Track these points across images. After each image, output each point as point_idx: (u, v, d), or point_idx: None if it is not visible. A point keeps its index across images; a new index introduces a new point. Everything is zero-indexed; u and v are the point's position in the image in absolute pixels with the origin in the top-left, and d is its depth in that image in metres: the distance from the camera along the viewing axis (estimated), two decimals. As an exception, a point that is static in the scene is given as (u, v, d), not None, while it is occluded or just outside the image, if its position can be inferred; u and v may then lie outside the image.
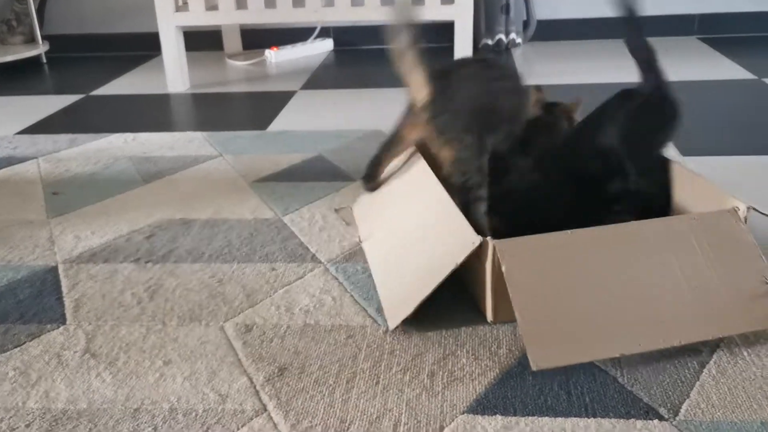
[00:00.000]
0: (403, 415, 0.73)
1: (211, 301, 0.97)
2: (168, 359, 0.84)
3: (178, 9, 2.03)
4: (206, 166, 1.47)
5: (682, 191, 1.05)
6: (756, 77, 1.98)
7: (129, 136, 1.68)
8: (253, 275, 1.03)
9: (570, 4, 2.56)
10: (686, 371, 0.78)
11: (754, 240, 0.87)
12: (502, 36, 2.51)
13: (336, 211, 1.22)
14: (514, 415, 0.73)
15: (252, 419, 0.74)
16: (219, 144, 1.60)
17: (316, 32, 2.60)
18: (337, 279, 1.01)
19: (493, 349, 0.84)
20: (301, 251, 1.09)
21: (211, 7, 2.06)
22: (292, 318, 0.92)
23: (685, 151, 1.41)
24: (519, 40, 2.55)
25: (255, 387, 0.79)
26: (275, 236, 1.15)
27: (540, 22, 2.56)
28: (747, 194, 0.97)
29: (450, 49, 2.06)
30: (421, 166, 1.08)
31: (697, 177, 1.01)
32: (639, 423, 0.71)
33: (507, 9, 2.48)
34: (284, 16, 2.02)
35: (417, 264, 0.93)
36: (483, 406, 0.74)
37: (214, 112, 1.91)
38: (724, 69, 2.10)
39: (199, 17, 2.03)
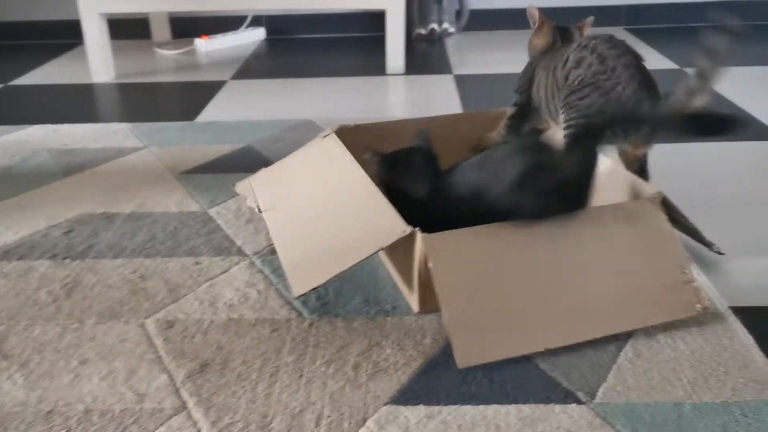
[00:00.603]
0: (326, 408, 0.73)
1: (132, 298, 0.94)
2: (84, 359, 0.82)
3: (101, -5, 1.97)
4: (131, 158, 1.43)
5: (603, 182, 1.07)
6: (678, 67, 2.04)
7: (50, 128, 1.62)
8: (177, 270, 1.00)
9: (502, -6, 2.59)
10: (604, 355, 0.80)
11: (672, 228, 0.90)
12: (434, 25, 2.52)
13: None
14: (437, 404, 0.73)
15: (171, 418, 0.72)
16: (145, 135, 1.56)
17: (248, 21, 2.55)
18: (262, 272, 0.99)
19: (417, 338, 0.84)
20: (227, 244, 1.07)
21: (137, -7, 2.00)
22: (216, 313, 0.90)
23: (610, 139, 1.44)
24: (452, 30, 2.56)
25: (175, 384, 0.77)
26: (200, 229, 1.12)
27: (473, 12, 2.57)
28: (667, 184, 0.99)
29: (382, 38, 2.05)
30: (337, 148, 1.07)
31: (617, 167, 1.03)
32: (558, 407, 0.72)
33: (440, -2, 2.48)
34: (214, 4, 1.97)
35: (334, 240, 0.92)
36: (406, 396, 0.74)
37: (141, 102, 1.86)
38: (649, 59, 2.15)
39: (123, 4, 1.97)
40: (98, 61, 2.02)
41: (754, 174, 1.30)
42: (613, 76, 1.04)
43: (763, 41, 2.35)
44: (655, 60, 2.14)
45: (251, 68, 2.19)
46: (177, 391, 0.76)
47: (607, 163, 1.05)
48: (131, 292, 0.95)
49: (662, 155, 1.37)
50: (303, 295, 0.86)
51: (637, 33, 2.50)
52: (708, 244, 0.98)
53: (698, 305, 0.85)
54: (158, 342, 0.84)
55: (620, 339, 0.82)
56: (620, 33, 2.52)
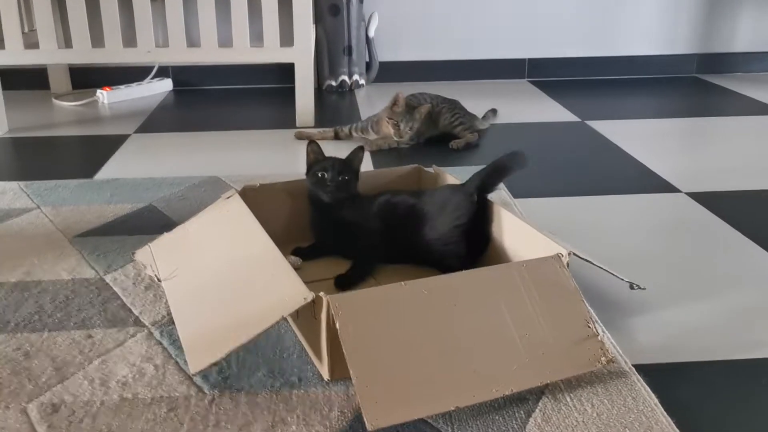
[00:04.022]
0: (225, 497, 0.68)
1: (14, 379, 0.86)
2: (-46, 454, 0.74)
3: (-8, 47, 1.88)
4: (20, 220, 1.34)
5: (510, 237, 1.08)
6: (580, 119, 2.12)
7: (-69, 188, 1.51)
8: (66, 345, 0.93)
9: (410, 47, 2.64)
10: (514, 422, 0.78)
11: (575, 284, 0.91)
12: (345, 77, 2.53)
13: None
14: (344, 485, 0.70)
15: None
16: (37, 195, 1.47)
17: (154, 72, 2.49)
18: (161, 344, 0.94)
19: (324, 412, 0.80)
20: (123, 314, 1.01)
21: (31, 45, 1.91)
22: (107, 392, 0.84)
23: (516, 193, 1.47)
24: (362, 82, 2.58)
25: (58, 479, 0.70)
26: (94, 298, 1.05)
27: (382, 64, 2.61)
28: (571, 235, 1.01)
29: (292, 89, 2.04)
30: (240, 211, 1.04)
31: (524, 223, 1.04)
32: (468, 483, 0.70)
33: (349, 51, 2.51)
34: (114, 56, 1.91)
35: (234, 310, 0.88)
36: (312, 477, 0.71)
37: (35, 158, 1.76)
38: (552, 111, 2.23)
39: (16, 56, 1.88)
40: (-11, 115, 1.92)
41: (653, 227, 1.35)
42: None
43: (653, 95, 2.49)
44: (557, 112, 2.21)
45: (156, 121, 2.13)
46: (59, 486, 0.69)
47: (517, 220, 1.06)
48: (13, 372, 0.87)
49: (565, 209, 1.41)
50: (200, 371, 0.81)
51: (540, 85, 2.59)
52: (629, 284, 0.99)
53: (603, 358, 0.86)
54: (41, 429, 0.77)
55: (529, 404, 0.81)
56: (525, 85, 2.61)
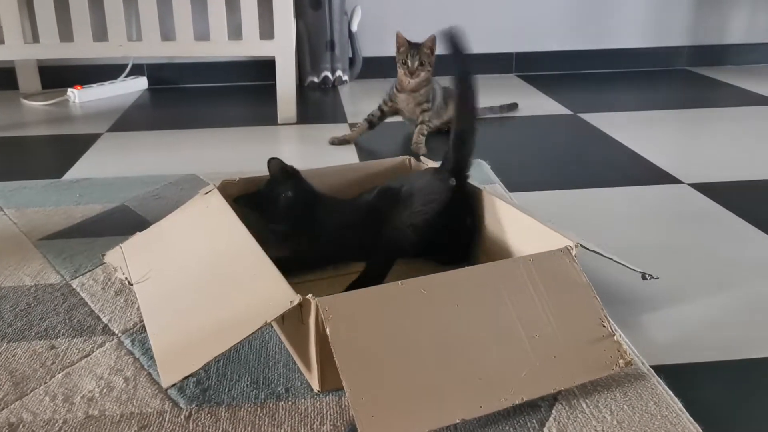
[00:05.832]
0: None
1: (-34, 397, 0.77)
2: None
3: (-46, 42, 1.77)
4: (-20, 223, 1.25)
5: (511, 231, 1.00)
6: (572, 112, 2.05)
7: None
8: (26, 357, 0.84)
9: (395, 42, 2.56)
10: (526, 433, 0.71)
11: (587, 280, 0.83)
12: (328, 73, 2.45)
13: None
14: None
15: None
16: (0, 196, 1.37)
17: (128, 69, 2.39)
18: (132, 354, 0.85)
19: (315, 426, 0.72)
20: (91, 322, 0.92)
21: (-3, 41, 1.81)
22: (71, 410, 0.75)
23: (511, 187, 1.40)
24: (345, 78, 2.50)
25: None
26: (59, 305, 0.96)
27: (366, 59, 2.53)
28: (573, 228, 0.94)
29: (273, 87, 1.96)
30: (219, 206, 0.96)
31: (525, 215, 0.97)
32: (480, 504, 0.62)
33: (332, 46, 2.43)
34: (84, 51, 1.82)
35: (213, 315, 0.80)
36: (302, 502, 0.62)
37: (1, 159, 1.66)
38: (544, 104, 2.17)
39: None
40: (-48, 114, 1.82)
41: (658, 219, 1.28)
42: None
43: (645, 88, 2.43)
44: (549, 106, 2.15)
45: (130, 120, 2.03)
46: None
47: (517, 212, 0.99)
48: (-35, 389, 0.78)
49: (565, 202, 1.34)
50: (174, 385, 0.73)
51: (528, 79, 2.52)
52: (641, 274, 0.92)
53: (621, 360, 0.78)
54: (-5, 453, 0.69)
55: (542, 412, 0.73)
56: (513, 80, 2.54)
